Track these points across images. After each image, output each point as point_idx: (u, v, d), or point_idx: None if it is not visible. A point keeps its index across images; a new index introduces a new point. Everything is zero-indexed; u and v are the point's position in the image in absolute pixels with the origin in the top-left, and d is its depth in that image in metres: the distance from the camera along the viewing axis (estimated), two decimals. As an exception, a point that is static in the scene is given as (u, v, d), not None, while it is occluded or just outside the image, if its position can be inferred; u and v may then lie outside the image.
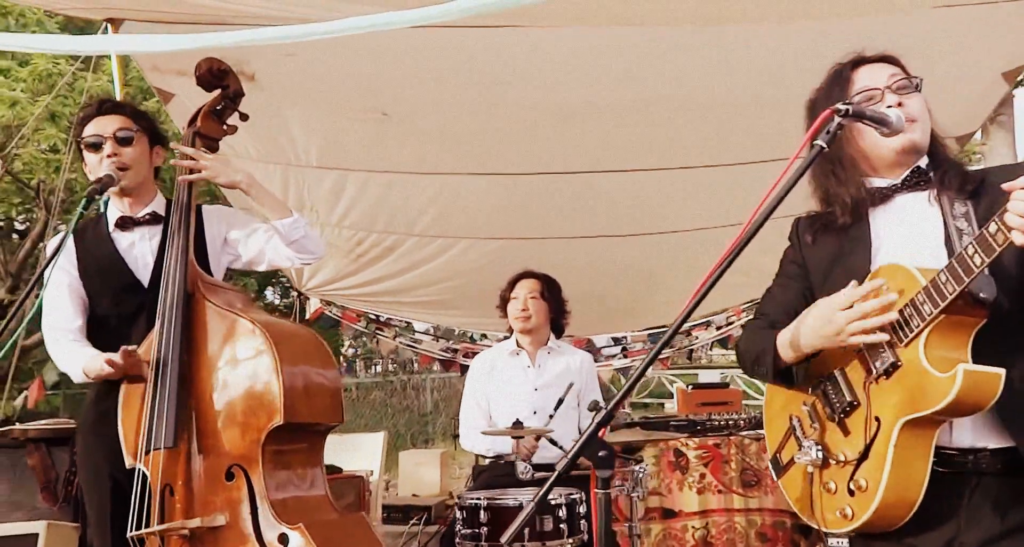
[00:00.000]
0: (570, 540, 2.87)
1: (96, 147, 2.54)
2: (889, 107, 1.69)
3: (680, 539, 4.25)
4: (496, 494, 2.95)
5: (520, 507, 2.80)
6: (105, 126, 2.55)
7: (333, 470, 3.80)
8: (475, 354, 4.55)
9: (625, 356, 6.47)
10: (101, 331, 2.56)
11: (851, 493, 1.62)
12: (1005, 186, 1.44)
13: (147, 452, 2.19)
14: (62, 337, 2.50)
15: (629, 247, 5.31)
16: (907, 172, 1.73)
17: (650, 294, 5.89)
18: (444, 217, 5.02)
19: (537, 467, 3.01)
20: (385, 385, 11.66)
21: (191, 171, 2.49)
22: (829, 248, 1.80)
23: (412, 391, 11.25)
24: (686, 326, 6.54)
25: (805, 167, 1.62)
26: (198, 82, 2.65)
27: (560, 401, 3.31)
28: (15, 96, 5.92)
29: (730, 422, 4.54)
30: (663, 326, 6.61)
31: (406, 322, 6.24)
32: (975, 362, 1.52)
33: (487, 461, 3.64)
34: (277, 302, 12.35)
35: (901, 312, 1.57)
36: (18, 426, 3.76)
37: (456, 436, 4.32)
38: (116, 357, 2.27)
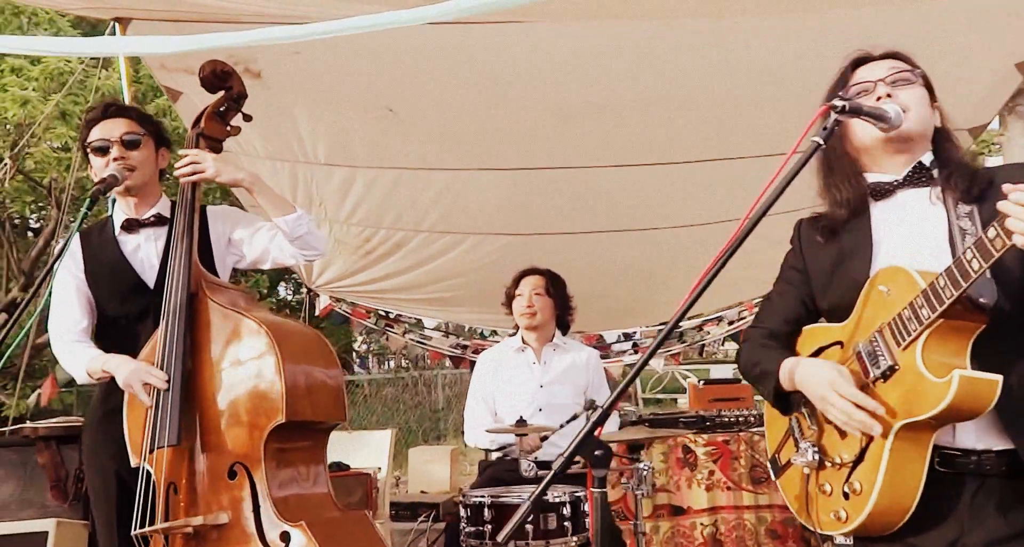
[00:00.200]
0: (574, 538, 2.86)
1: (103, 151, 2.56)
2: (879, 99, 1.68)
3: (689, 536, 4.24)
4: (500, 492, 2.95)
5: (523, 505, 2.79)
6: (111, 130, 2.57)
7: (341, 467, 3.81)
8: (489, 348, 4.55)
9: (636, 352, 6.44)
10: (109, 331, 2.60)
11: (846, 496, 1.62)
12: (1005, 188, 1.42)
13: (151, 451, 2.21)
14: (67, 337, 2.53)
15: (639, 242, 5.30)
16: (909, 168, 1.72)
17: (661, 289, 5.87)
18: (452, 213, 5.02)
19: (541, 464, 3.01)
20: (396, 381, 11.69)
21: (194, 171, 2.50)
22: (831, 251, 1.78)
23: (424, 387, 11.27)
24: (698, 321, 6.54)
25: (802, 164, 1.61)
26: (202, 84, 2.66)
27: (574, 417, 3.30)
28: (26, 95, 5.96)
29: (740, 418, 4.53)
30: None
31: (416, 318, 6.25)
32: (976, 366, 1.51)
33: (494, 456, 3.64)
34: (290, 298, 12.41)
35: (900, 315, 1.56)
36: (28, 424, 3.79)
37: (466, 433, 4.32)
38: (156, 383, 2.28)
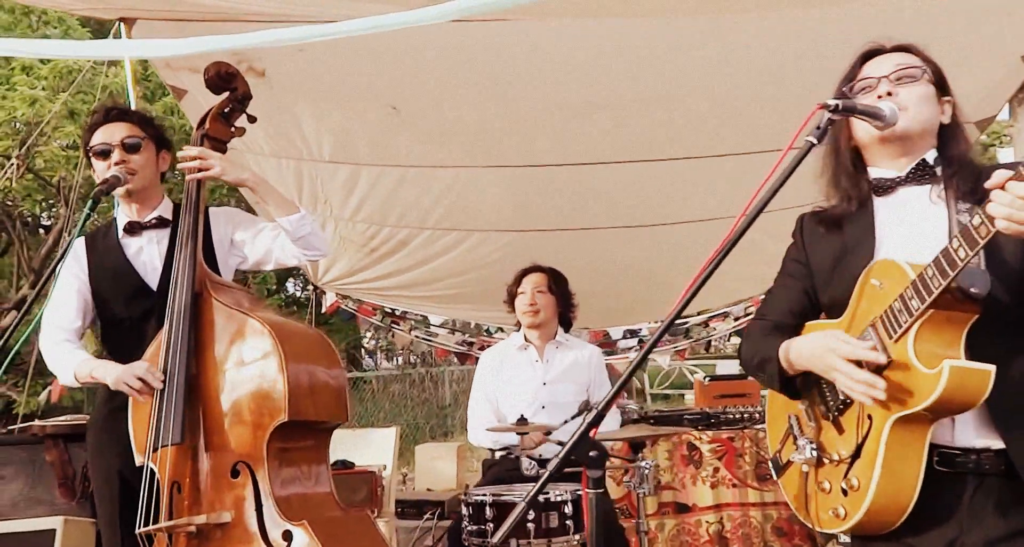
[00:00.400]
0: (576, 536, 2.87)
1: (105, 154, 2.59)
2: (879, 98, 1.67)
3: (694, 534, 4.24)
4: (502, 490, 2.96)
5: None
6: (112, 134, 2.60)
7: (346, 465, 3.83)
8: (492, 346, 4.56)
9: (641, 348, 6.44)
10: (114, 333, 2.63)
11: (844, 493, 1.61)
12: (988, 184, 1.42)
13: (155, 449, 2.23)
14: (57, 335, 2.56)
15: (643, 238, 5.30)
16: (912, 165, 1.71)
17: (665, 285, 5.85)
18: (456, 211, 5.02)
19: (543, 463, 3.02)
20: (404, 378, 11.72)
21: (201, 168, 2.52)
22: (833, 246, 1.78)
23: (431, 384, 11.30)
24: (704, 317, 6.53)
25: (795, 164, 1.61)
26: (207, 85, 2.68)
27: (579, 412, 3.30)
28: (35, 94, 6.00)
29: (744, 415, 4.52)
30: (683, 318, 6.59)
31: (422, 315, 6.26)
32: (972, 358, 1.50)
33: (497, 455, 3.65)
34: (299, 294, 12.45)
35: (891, 307, 1.56)
36: (37, 422, 3.82)
37: (473, 430, 4.34)
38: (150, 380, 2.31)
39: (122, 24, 3.66)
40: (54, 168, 6.76)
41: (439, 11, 2.44)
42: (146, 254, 2.62)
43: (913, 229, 1.68)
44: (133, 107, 3.81)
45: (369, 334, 11.89)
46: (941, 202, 1.68)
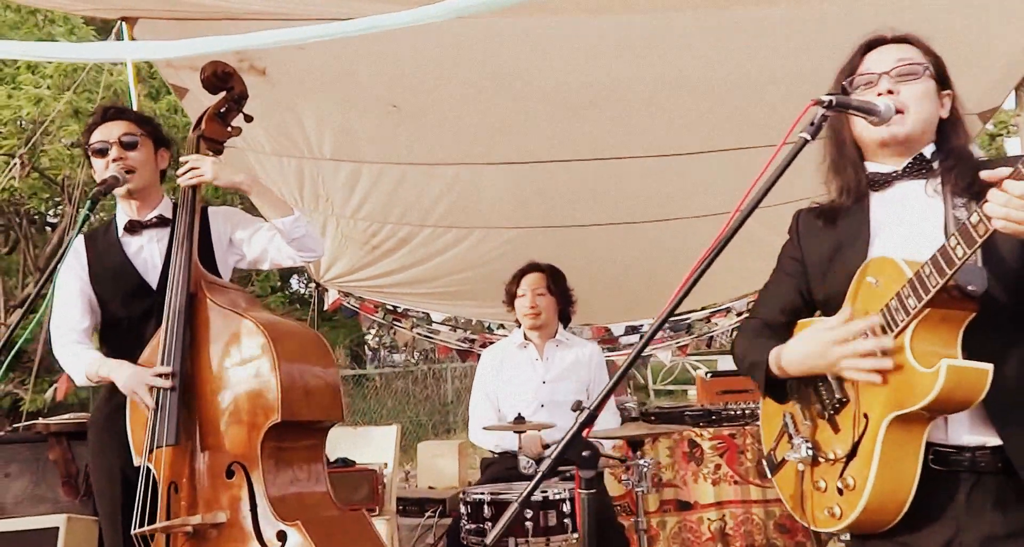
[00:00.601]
0: (575, 535, 2.87)
1: (103, 153, 2.61)
2: (879, 95, 1.66)
3: (696, 531, 4.24)
4: (501, 489, 2.97)
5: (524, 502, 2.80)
6: (110, 132, 2.62)
7: (347, 463, 3.84)
8: (492, 345, 4.56)
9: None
10: (114, 333, 2.64)
11: (840, 492, 1.60)
12: (983, 175, 1.41)
13: (151, 450, 2.24)
14: (68, 337, 2.57)
15: (646, 234, 5.29)
16: (909, 160, 1.70)
17: (668, 281, 5.82)
18: (458, 207, 5.02)
19: (541, 461, 3.01)
20: (406, 375, 11.73)
21: (193, 176, 2.53)
22: (828, 241, 1.77)
23: (433, 381, 11.31)
24: (706, 312, 6.52)
25: (789, 159, 1.60)
26: (203, 85, 2.69)
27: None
28: (39, 93, 6.02)
29: (746, 411, 4.51)
30: (684, 313, 6.58)
31: (423, 313, 6.26)
32: (969, 356, 1.49)
33: (496, 454, 3.66)
34: (303, 291, 12.48)
35: (887, 306, 1.55)
36: (41, 420, 3.84)
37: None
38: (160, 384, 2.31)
39: (124, 24, 3.67)
40: (59, 167, 6.79)
41: (437, 10, 2.43)
42: (146, 252, 2.64)
43: (908, 224, 1.67)
44: (135, 106, 3.84)
45: (373, 331, 11.91)
46: (937, 196, 1.66)
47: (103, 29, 6.98)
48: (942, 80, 1.72)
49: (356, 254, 5.48)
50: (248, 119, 2.70)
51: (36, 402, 5.90)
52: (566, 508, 2.87)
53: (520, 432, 3.14)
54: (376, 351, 14.07)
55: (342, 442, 4.13)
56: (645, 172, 4.68)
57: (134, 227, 2.64)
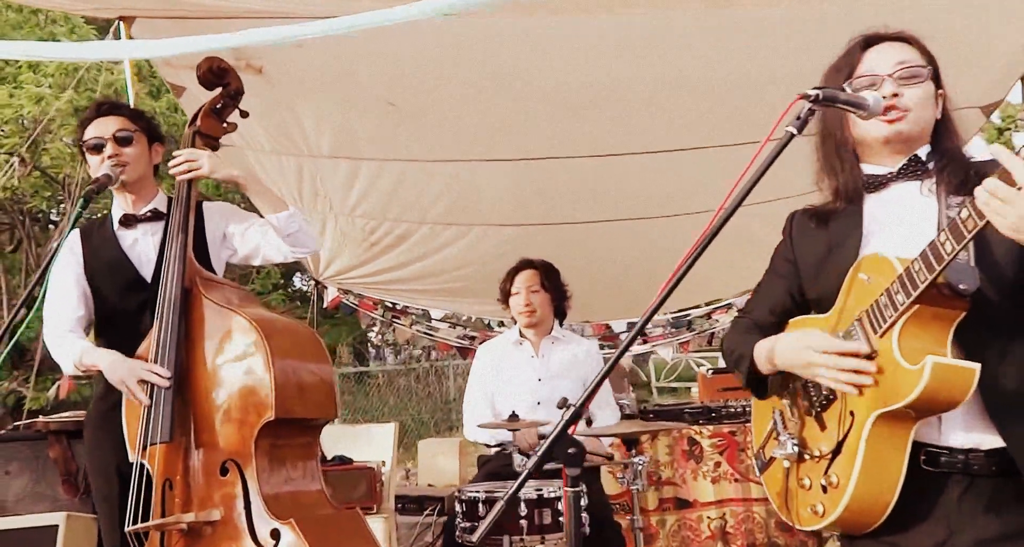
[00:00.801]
0: (571, 532, 2.87)
1: (98, 149, 2.62)
2: (884, 98, 1.64)
3: (695, 529, 4.23)
4: (496, 487, 2.97)
5: (519, 500, 2.81)
6: (104, 128, 2.63)
7: (344, 461, 3.85)
8: (488, 341, 4.56)
9: (644, 341, 6.43)
10: (109, 326, 2.66)
11: (824, 489, 1.59)
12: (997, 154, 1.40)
13: (144, 447, 2.24)
14: (60, 327, 2.58)
15: (647, 231, 5.29)
16: (904, 160, 1.69)
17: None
18: (456, 205, 5.03)
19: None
20: (408, 373, 11.73)
21: (190, 169, 2.53)
22: (821, 241, 1.76)
23: (435, 378, 11.31)
24: (707, 309, 6.51)
25: (775, 154, 1.60)
26: (200, 82, 2.70)
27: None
28: (40, 92, 6.04)
29: (747, 409, 4.50)
30: (685, 310, 6.58)
31: (423, 310, 6.27)
32: (965, 356, 1.48)
33: (492, 451, 3.66)
34: (305, 288, 12.48)
35: (876, 302, 1.54)
36: (40, 418, 3.86)
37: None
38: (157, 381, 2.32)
39: (121, 23, 3.68)
40: (60, 165, 6.81)
41: (434, 8, 2.43)
42: (141, 246, 2.65)
43: (902, 223, 1.66)
44: (132, 103, 3.85)
45: (376, 329, 11.90)
46: (932, 196, 1.65)
47: (104, 28, 6.98)
48: (937, 80, 1.71)
49: (355, 251, 5.49)
50: (244, 115, 2.71)
51: (39, 400, 5.92)
52: (561, 506, 2.87)
53: (514, 430, 3.14)
54: (379, 348, 14.08)
55: (340, 439, 4.13)
56: (645, 170, 4.67)
57: (129, 221, 2.66)
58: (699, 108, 4.16)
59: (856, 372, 1.51)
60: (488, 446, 3.66)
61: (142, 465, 2.24)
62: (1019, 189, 1.31)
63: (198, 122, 2.62)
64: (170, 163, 2.57)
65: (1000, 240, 1.44)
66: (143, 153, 2.67)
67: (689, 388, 11.54)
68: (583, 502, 2.95)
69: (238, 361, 2.25)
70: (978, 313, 1.50)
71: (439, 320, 6.43)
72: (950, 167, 1.65)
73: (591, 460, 3.37)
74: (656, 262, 5.55)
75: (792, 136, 1.58)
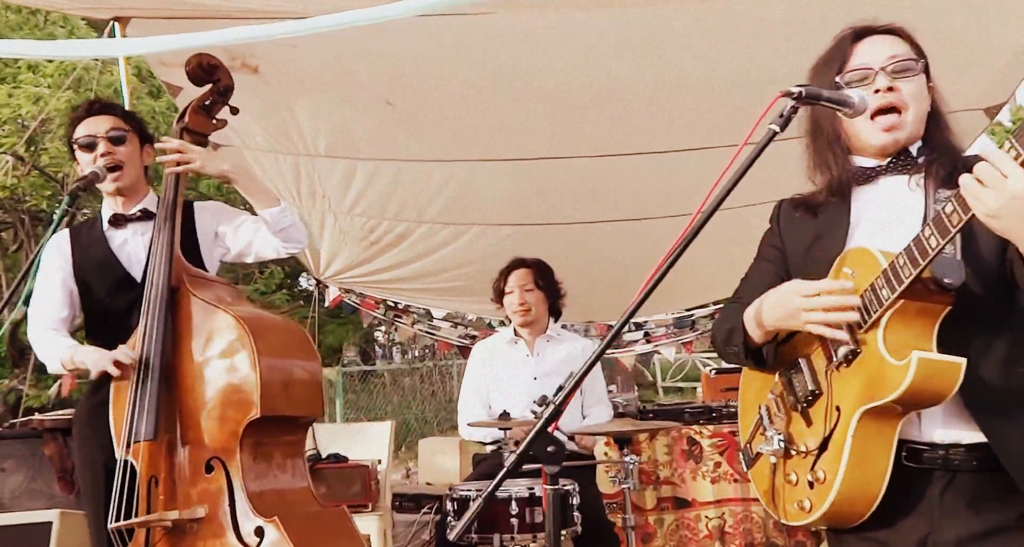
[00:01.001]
0: (562, 532, 2.85)
1: (90, 147, 2.62)
2: (877, 92, 1.62)
3: (693, 529, 4.21)
4: (487, 485, 2.94)
5: (510, 499, 2.80)
6: (97, 126, 2.62)
7: (339, 459, 3.85)
8: (483, 340, 4.55)
9: (648, 341, 6.42)
10: (99, 325, 2.65)
11: (810, 485, 1.58)
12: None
13: (128, 445, 2.23)
14: (43, 324, 2.58)
15: (648, 231, 5.26)
16: (895, 154, 1.67)
17: (671, 277, 5.80)
18: (455, 204, 5.02)
19: (530, 458, 2.99)
20: (412, 372, 11.74)
21: (181, 162, 2.52)
22: (807, 231, 1.75)
23: (439, 377, 11.31)
24: (712, 309, 6.48)
25: (758, 152, 1.59)
26: (189, 78, 2.68)
27: (560, 387, 3.28)
28: (39, 92, 6.06)
29: (747, 409, 4.46)
30: (688, 310, 6.55)
31: (424, 309, 6.26)
32: (947, 351, 1.46)
33: (488, 449, 3.65)
34: (311, 288, 12.47)
35: (861, 297, 1.52)
36: (36, 416, 3.87)
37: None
38: (120, 358, 2.31)
39: (116, 24, 3.69)
40: (59, 164, 6.83)
41: (424, 5, 2.42)
42: (131, 246, 2.65)
43: (888, 216, 1.64)
44: (127, 104, 3.85)
45: (384, 328, 11.92)
46: (920, 190, 1.64)
47: (103, 30, 7.01)
48: (927, 72, 1.69)
49: (354, 250, 5.48)
50: (234, 111, 2.70)
51: (40, 398, 5.92)
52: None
53: (505, 428, 3.13)
54: (385, 348, 14.09)
55: (337, 438, 4.13)
56: (645, 170, 4.65)
57: (118, 220, 2.65)
58: (699, 108, 4.14)
59: (840, 309, 1.49)
60: (483, 444, 3.64)
61: (128, 462, 2.23)
62: (1005, 177, 1.29)
63: (186, 119, 2.61)
64: (157, 146, 2.55)
65: (986, 234, 1.42)
66: (135, 153, 2.67)
67: (695, 388, 11.51)
68: (575, 501, 2.93)
69: (224, 358, 2.24)
70: (962, 307, 1.48)
71: (440, 319, 6.42)
72: (939, 161, 1.63)
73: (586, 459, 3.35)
74: (656, 262, 5.54)
75: (775, 133, 1.57)
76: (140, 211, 2.67)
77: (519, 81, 3.96)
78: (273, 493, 2.20)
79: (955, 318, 1.48)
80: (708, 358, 11.51)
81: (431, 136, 4.45)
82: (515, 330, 3.79)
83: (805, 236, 1.75)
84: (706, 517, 4.19)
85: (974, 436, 1.50)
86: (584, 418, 3.65)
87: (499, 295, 3.78)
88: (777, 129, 1.57)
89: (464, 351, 6.21)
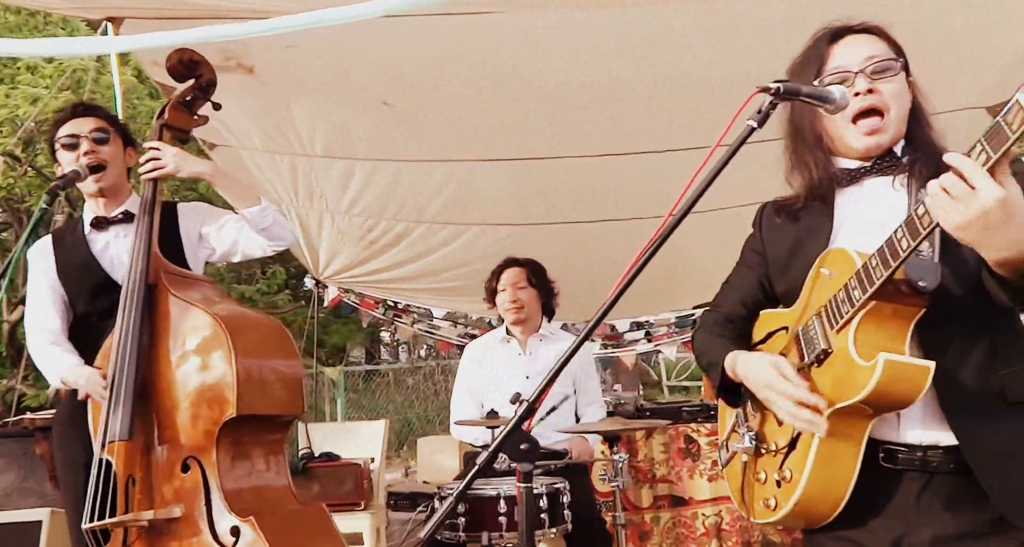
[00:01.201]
0: (552, 530, 2.83)
1: (72, 147, 2.61)
2: (857, 95, 1.59)
3: (690, 527, 4.19)
4: (476, 484, 2.92)
5: (499, 497, 2.78)
6: (80, 127, 2.62)
7: (331, 457, 3.84)
8: (475, 339, 4.53)
9: (649, 341, 6.39)
10: (82, 328, 2.64)
11: (778, 484, 1.56)
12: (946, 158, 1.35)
13: (103, 445, 2.21)
14: (43, 337, 2.58)
15: (648, 230, 5.19)
16: (879, 155, 1.64)
17: (673, 277, 5.78)
18: (454, 204, 4.99)
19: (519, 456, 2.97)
20: (415, 371, 11.75)
21: (154, 167, 2.51)
22: (790, 234, 1.73)
23: (441, 376, 11.30)
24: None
25: (735, 148, 1.57)
26: (169, 73, 2.66)
27: (553, 408, 3.28)
28: (36, 93, 6.08)
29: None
30: (689, 309, 6.51)
31: (425, 308, 6.25)
32: (926, 354, 1.44)
33: (480, 448, 3.63)
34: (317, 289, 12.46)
35: (835, 296, 1.50)
36: (28, 415, 3.88)
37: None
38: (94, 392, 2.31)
39: (109, 24, 3.69)
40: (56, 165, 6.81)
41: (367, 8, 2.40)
42: (112, 249, 2.64)
43: (873, 215, 1.61)
44: (120, 102, 3.85)
45: (393, 328, 11.90)
46: (903, 190, 1.61)
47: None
48: (906, 69, 1.67)
49: (353, 250, 5.47)
50: (217, 107, 2.68)
51: (39, 398, 5.93)
52: (543, 503, 2.83)
53: (493, 427, 3.11)
54: (391, 347, 14.09)
55: (331, 437, 4.12)
56: (645, 170, 4.63)
57: (100, 223, 2.65)
58: (699, 108, 4.10)
59: (808, 421, 1.48)
60: (473, 446, 3.63)
61: (108, 462, 2.22)
62: (974, 189, 1.26)
63: (166, 115, 2.58)
64: (140, 159, 2.55)
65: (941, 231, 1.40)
66: (118, 154, 2.67)
67: (700, 387, 11.47)
68: (565, 500, 2.92)
69: (200, 357, 2.22)
70: (940, 309, 1.46)
71: (440, 319, 6.41)
72: (922, 160, 1.60)
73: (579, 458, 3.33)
74: (658, 261, 5.47)
75: (753, 129, 1.55)
76: (122, 213, 2.66)
77: (519, 81, 3.93)
78: (251, 492, 2.18)
79: (934, 320, 1.47)
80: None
81: (430, 136, 4.43)
82: (507, 329, 3.77)
83: (787, 240, 1.73)
84: (703, 515, 4.17)
85: (952, 438, 1.48)
86: (579, 419, 3.62)
87: (491, 294, 3.77)
88: (755, 125, 1.55)
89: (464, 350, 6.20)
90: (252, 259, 2.89)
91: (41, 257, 2.64)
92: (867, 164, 1.64)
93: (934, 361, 1.42)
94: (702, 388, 11.33)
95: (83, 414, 2.40)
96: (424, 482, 5.03)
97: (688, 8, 3.41)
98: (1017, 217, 1.27)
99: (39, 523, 3.29)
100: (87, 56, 4.52)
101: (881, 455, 1.50)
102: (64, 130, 2.63)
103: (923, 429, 1.49)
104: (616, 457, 2.83)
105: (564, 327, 5.66)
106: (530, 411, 1.60)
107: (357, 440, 4.15)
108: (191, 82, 2.64)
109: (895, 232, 1.39)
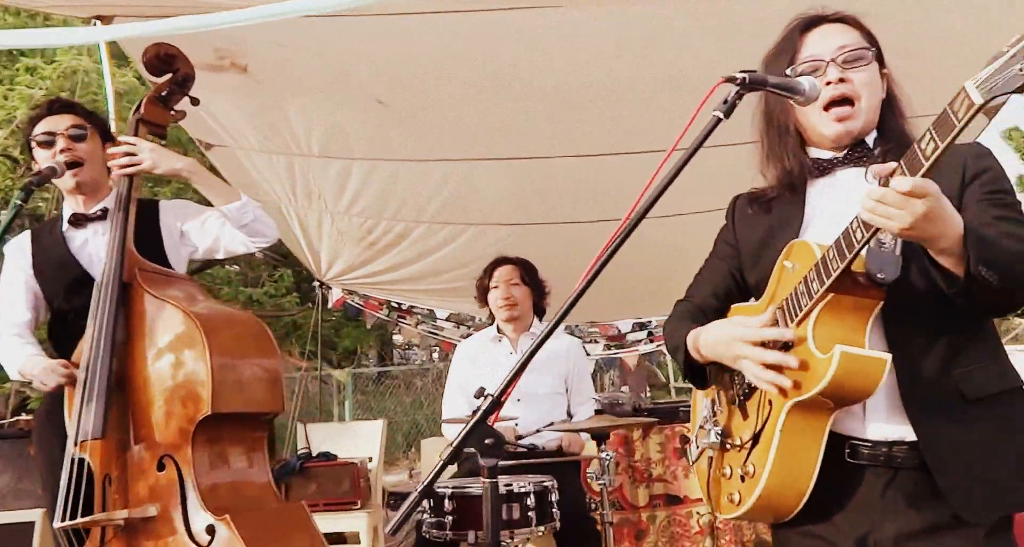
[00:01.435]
0: (540, 528, 2.81)
1: (48, 144, 2.60)
2: (829, 84, 1.58)
3: (685, 525, 4.16)
4: (463, 483, 2.91)
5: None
6: (57, 124, 2.61)
7: (328, 457, 3.83)
8: (467, 338, 4.51)
9: (651, 341, 6.35)
10: (60, 326, 2.63)
11: (742, 478, 1.55)
12: (874, 169, 1.35)
13: (76, 443, 2.20)
14: (6, 330, 2.56)
15: (649, 230, 5.15)
16: (851, 146, 1.63)
17: (673, 276, 5.74)
18: (453, 204, 4.98)
19: (514, 455, 2.97)
20: (424, 373, 11.75)
21: (130, 163, 2.49)
22: (761, 227, 1.71)
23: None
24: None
25: (702, 139, 1.56)
26: (145, 67, 2.64)
27: (537, 431, 3.28)
28: (33, 93, 6.10)
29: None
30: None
31: (428, 309, 6.24)
32: (891, 348, 1.43)
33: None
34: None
35: (795, 289, 1.49)
36: (23, 417, 3.89)
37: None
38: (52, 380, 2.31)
39: (99, 23, 3.71)
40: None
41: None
42: (91, 246, 2.63)
43: (844, 209, 1.58)
44: (110, 95, 3.86)
45: (398, 330, 11.91)
46: (875, 182, 1.59)
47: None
48: (880, 59, 1.65)
49: (354, 250, 5.47)
50: (195, 102, 2.66)
51: (40, 399, 5.93)
52: (530, 501, 2.80)
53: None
54: (403, 349, 14.09)
55: (330, 437, 4.12)
56: (645, 170, 4.56)
57: (78, 220, 2.63)
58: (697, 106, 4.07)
59: (777, 370, 1.45)
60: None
61: (83, 460, 2.20)
62: (906, 194, 1.28)
63: (142, 110, 2.56)
64: (109, 150, 2.52)
65: None
66: (96, 151, 2.65)
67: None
68: (554, 497, 2.89)
69: (175, 354, 2.21)
70: (905, 303, 1.45)
71: (444, 319, 6.40)
72: (893, 151, 1.57)
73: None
74: (659, 261, 5.48)
75: (719, 120, 1.54)
76: (101, 210, 2.64)
77: (519, 81, 3.92)
78: (227, 490, 2.17)
79: (900, 314, 1.46)
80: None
81: (430, 135, 4.42)
82: (498, 327, 3.74)
83: (759, 231, 1.72)
84: (697, 513, 4.14)
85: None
86: (571, 417, 3.60)
87: (483, 292, 3.75)
88: (721, 116, 1.54)
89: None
90: (259, 262, 2.88)
91: (19, 253, 2.63)
92: (839, 155, 1.63)
93: (898, 355, 1.42)
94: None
95: (60, 412, 2.40)
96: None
97: (688, 8, 3.39)
98: (944, 202, 1.30)
99: (31, 524, 3.29)
100: (74, 46, 4.51)
101: (847, 451, 1.49)
102: (40, 127, 2.61)
103: (888, 425, 1.48)
104: (603, 455, 2.79)
105: (566, 329, 5.63)
106: (495, 406, 1.58)
107: (356, 440, 4.15)
108: (168, 76, 2.62)
109: (851, 224, 1.38)
